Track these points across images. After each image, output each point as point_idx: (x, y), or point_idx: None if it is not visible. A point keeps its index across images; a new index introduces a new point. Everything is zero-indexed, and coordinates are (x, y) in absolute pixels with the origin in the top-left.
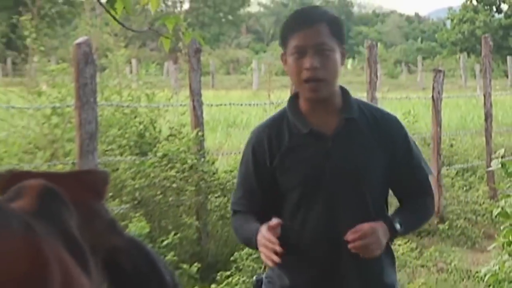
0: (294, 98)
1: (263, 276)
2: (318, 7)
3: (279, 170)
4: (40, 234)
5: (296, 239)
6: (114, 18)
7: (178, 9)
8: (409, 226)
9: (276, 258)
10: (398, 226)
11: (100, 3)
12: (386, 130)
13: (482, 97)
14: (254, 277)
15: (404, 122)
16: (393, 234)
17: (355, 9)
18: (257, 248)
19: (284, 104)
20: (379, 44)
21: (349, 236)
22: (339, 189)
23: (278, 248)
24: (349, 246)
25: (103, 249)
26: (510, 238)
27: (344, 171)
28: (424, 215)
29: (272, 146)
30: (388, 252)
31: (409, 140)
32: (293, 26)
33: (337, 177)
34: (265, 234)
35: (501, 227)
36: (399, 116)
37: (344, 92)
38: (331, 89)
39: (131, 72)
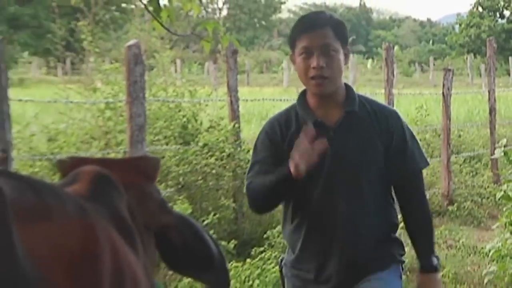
0: (303, 95)
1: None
2: (324, 12)
3: (287, 156)
4: (93, 216)
5: (303, 216)
6: (161, 24)
7: (218, 15)
8: (434, 247)
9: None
10: (435, 262)
11: (148, 11)
12: (385, 122)
13: (487, 93)
14: (280, 258)
15: (417, 116)
16: (438, 270)
17: (374, 15)
18: (286, 180)
19: None
20: (395, 46)
21: None
22: (337, 176)
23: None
24: None
25: (155, 226)
26: (510, 215)
27: (343, 159)
28: (431, 223)
29: (282, 131)
30: (389, 230)
31: (405, 133)
32: (301, 29)
33: (336, 164)
34: (303, 145)
35: (504, 209)
36: (412, 110)
37: (348, 88)
38: (335, 85)
39: (175, 71)
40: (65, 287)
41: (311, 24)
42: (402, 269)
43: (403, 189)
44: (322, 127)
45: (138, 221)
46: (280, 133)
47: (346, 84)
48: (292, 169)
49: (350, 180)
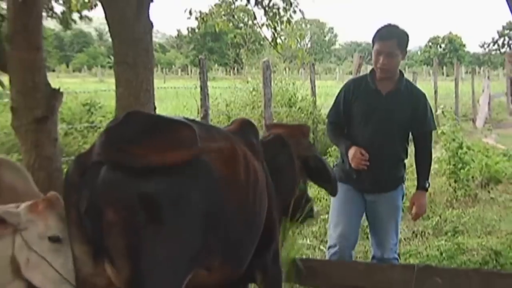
0: (374, 71)
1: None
2: (394, 26)
3: (352, 103)
4: (235, 141)
5: (356, 143)
6: (277, 51)
7: (305, 46)
8: (429, 176)
9: (365, 167)
10: (427, 185)
11: (271, 45)
12: (415, 98)
13: (433, 84)
14: (334, 163)
15: None
16: (427, 190)
17: None
18: (343, 151)
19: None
20: None
21: (415, 217)
22: (381, 125)
23: (367, 163)
24: (414, 219)
25: (302, 157)
26: (444, 141)
27: (386, 115)
28: (430, 163)
29: (354, 88)
30: (401, 161)
31: (426, 107)
32: (378, 37)
33: (382, 118)
34: (358, 153)
35: (442, 138)
36: None
37: (401, 74)
38: (392, 73)
39: (285, 73)
40: (223, 170)
41: (384, 36)
42: (404, 186)
43: (420, 138)
44: (378, 93)
45: (292, 153)
46: (352, 89)
47: (400, 71)
48: (350, 160)
49: (388, 128)
